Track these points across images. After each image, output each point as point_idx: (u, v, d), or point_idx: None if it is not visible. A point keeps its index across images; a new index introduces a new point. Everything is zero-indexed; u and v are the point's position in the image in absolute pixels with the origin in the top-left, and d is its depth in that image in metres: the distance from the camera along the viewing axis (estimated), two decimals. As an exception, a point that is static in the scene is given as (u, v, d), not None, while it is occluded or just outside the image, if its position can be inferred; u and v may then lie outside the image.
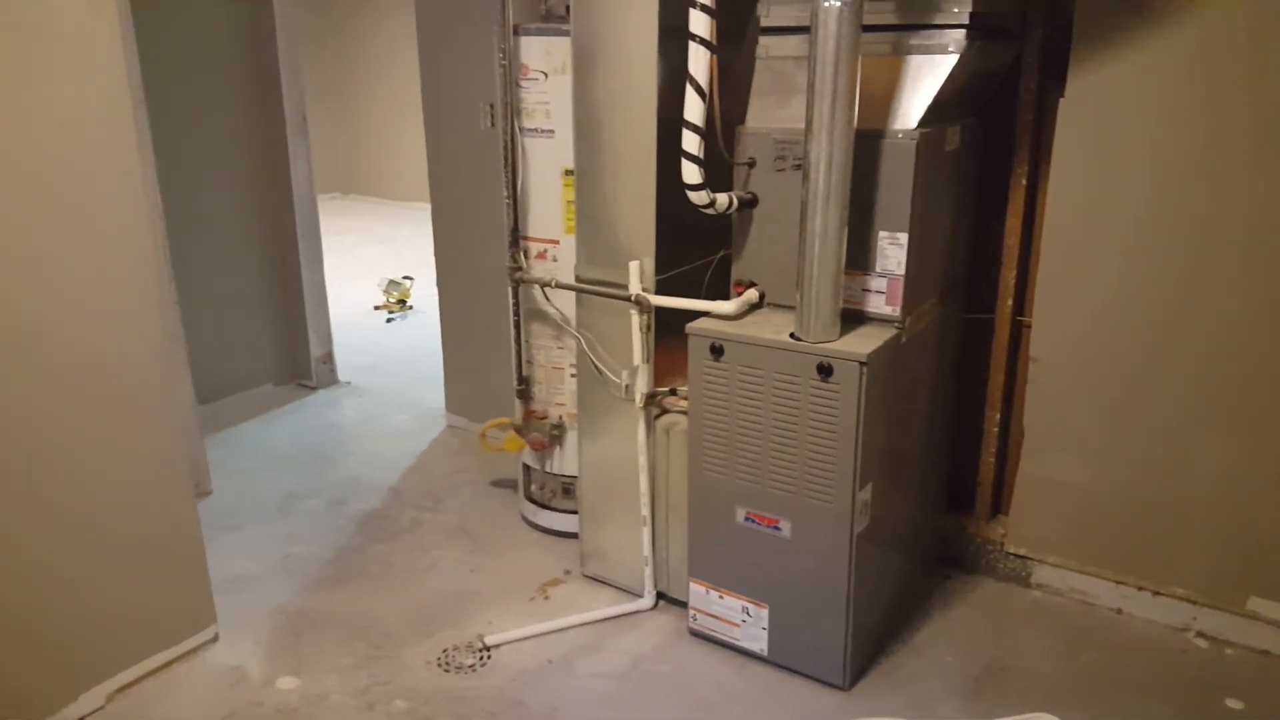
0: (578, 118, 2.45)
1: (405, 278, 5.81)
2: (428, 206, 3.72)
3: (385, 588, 2.77)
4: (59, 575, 2.16)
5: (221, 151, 3.87)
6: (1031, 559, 2.72)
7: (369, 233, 7.87)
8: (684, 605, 2.56)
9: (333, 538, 3.05)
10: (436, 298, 3.85)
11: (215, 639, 2.50)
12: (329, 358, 4.34)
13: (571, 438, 2.93)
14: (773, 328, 2.21)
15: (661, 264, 2.44)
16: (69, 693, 2.21)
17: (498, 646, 2.50)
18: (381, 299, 5.72)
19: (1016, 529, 2.73)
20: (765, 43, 2.29)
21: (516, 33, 2.60)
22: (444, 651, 2.48)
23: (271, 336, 4.20)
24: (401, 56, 8.66)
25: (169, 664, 2.39)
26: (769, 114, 2.27)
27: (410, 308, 5.69)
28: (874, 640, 2.44)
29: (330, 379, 4.36)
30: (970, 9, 2.06)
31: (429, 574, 2.85)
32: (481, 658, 2.45)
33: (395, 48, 8.73)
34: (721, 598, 2.42)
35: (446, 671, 2.40)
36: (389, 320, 5.50)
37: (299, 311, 4.20)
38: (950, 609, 2.65)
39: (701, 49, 2.09)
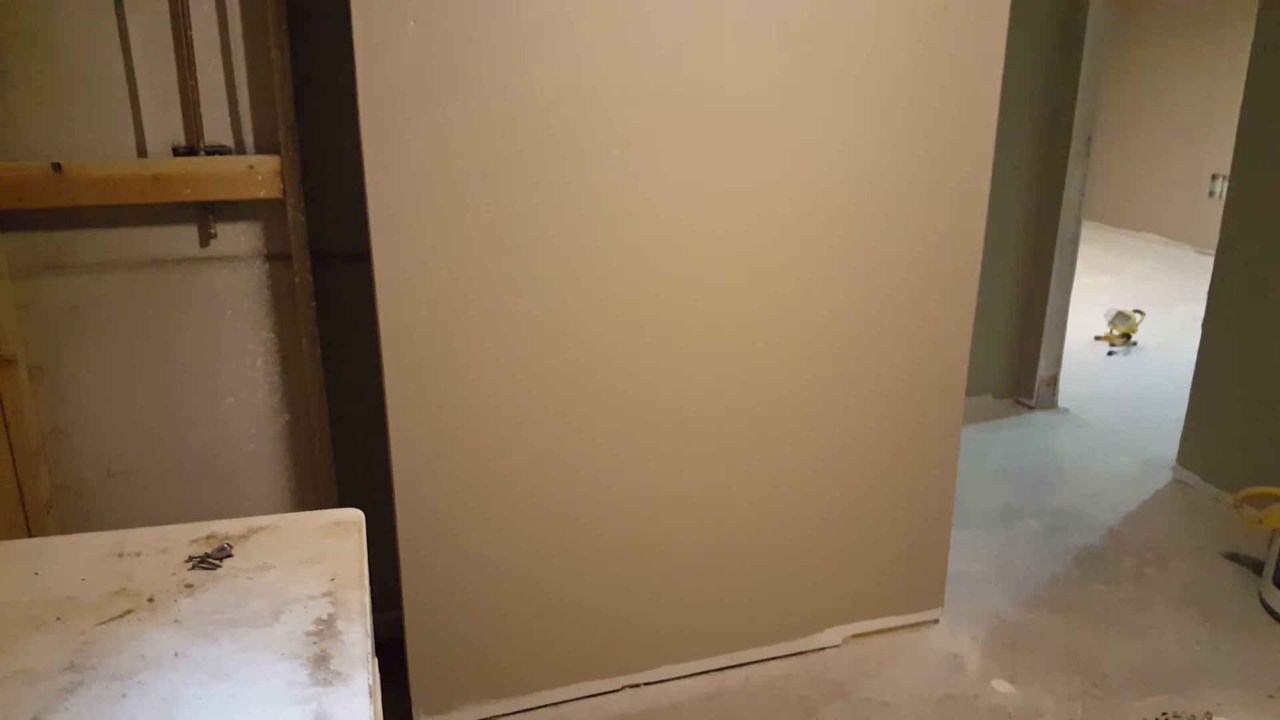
0: None
1: (1136, 311, 5.44)
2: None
3: (1103, 630, 2.67)
4: (836, 521, 2.48)
5: (1005, 160, 3.92)
6: None
7: (1093, 260, 7.51)
8: None
9: (1049, 563, 3.03)
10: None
11: (937, 622, 2.68)
12: (1054, 381, 4.29)
13: (1362, 534, 2.47)
14: None
15: None
16: (816, 624, 2.56)
17: (1232, 736, 2.25)
18: (1104, 330, 5.45)
19: None
20: None
21: None
22: (1163, 714, 2.31)
23: (1004, 350, 4.29)
24: (1186, 77, 8.02)
25: (896, 629, 2.63)
26: None
27: (1134, 344, 5.32)
28: None
29: (1050, 402, 4.31)
30: None
31: (1150, 631, 2.67)
32: (1212, 741, 2.24)
33: (1184, 68, 8.07)
34: None
35: (1169, 739, 2.24)
36: (1109, 354, 5.22)
37: (1036, 331, 4.20)
38: None
39: None
